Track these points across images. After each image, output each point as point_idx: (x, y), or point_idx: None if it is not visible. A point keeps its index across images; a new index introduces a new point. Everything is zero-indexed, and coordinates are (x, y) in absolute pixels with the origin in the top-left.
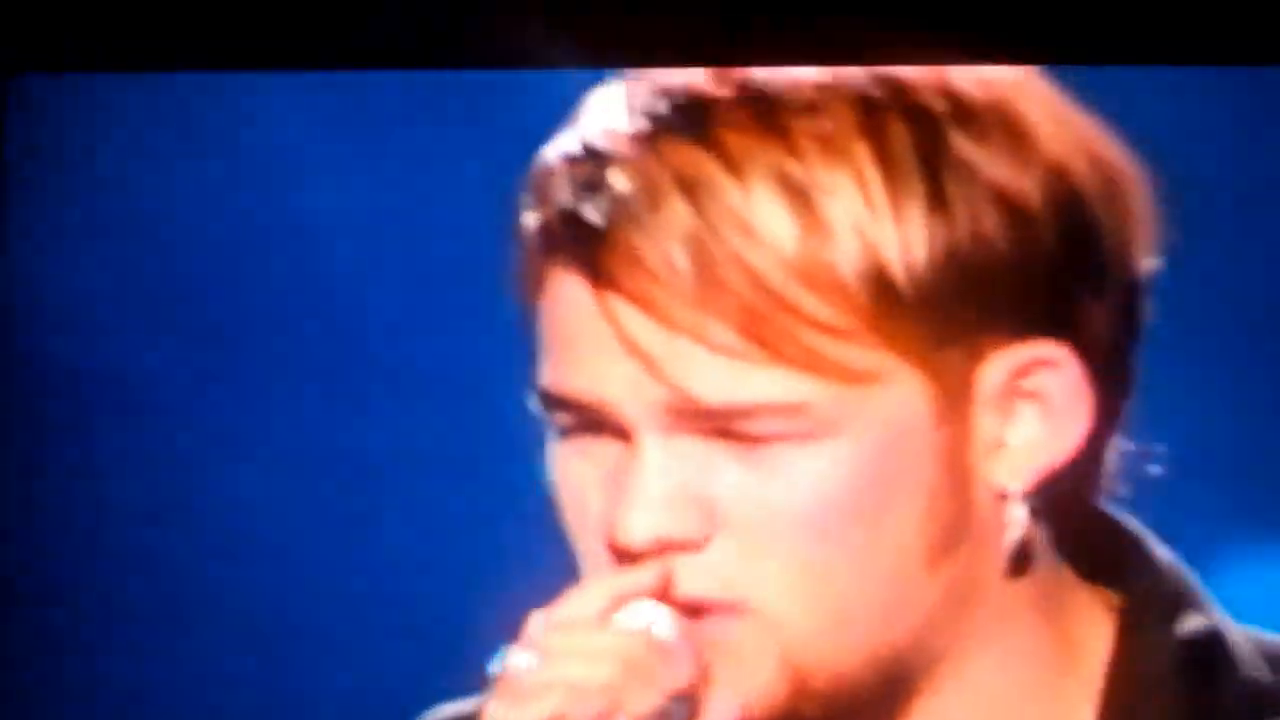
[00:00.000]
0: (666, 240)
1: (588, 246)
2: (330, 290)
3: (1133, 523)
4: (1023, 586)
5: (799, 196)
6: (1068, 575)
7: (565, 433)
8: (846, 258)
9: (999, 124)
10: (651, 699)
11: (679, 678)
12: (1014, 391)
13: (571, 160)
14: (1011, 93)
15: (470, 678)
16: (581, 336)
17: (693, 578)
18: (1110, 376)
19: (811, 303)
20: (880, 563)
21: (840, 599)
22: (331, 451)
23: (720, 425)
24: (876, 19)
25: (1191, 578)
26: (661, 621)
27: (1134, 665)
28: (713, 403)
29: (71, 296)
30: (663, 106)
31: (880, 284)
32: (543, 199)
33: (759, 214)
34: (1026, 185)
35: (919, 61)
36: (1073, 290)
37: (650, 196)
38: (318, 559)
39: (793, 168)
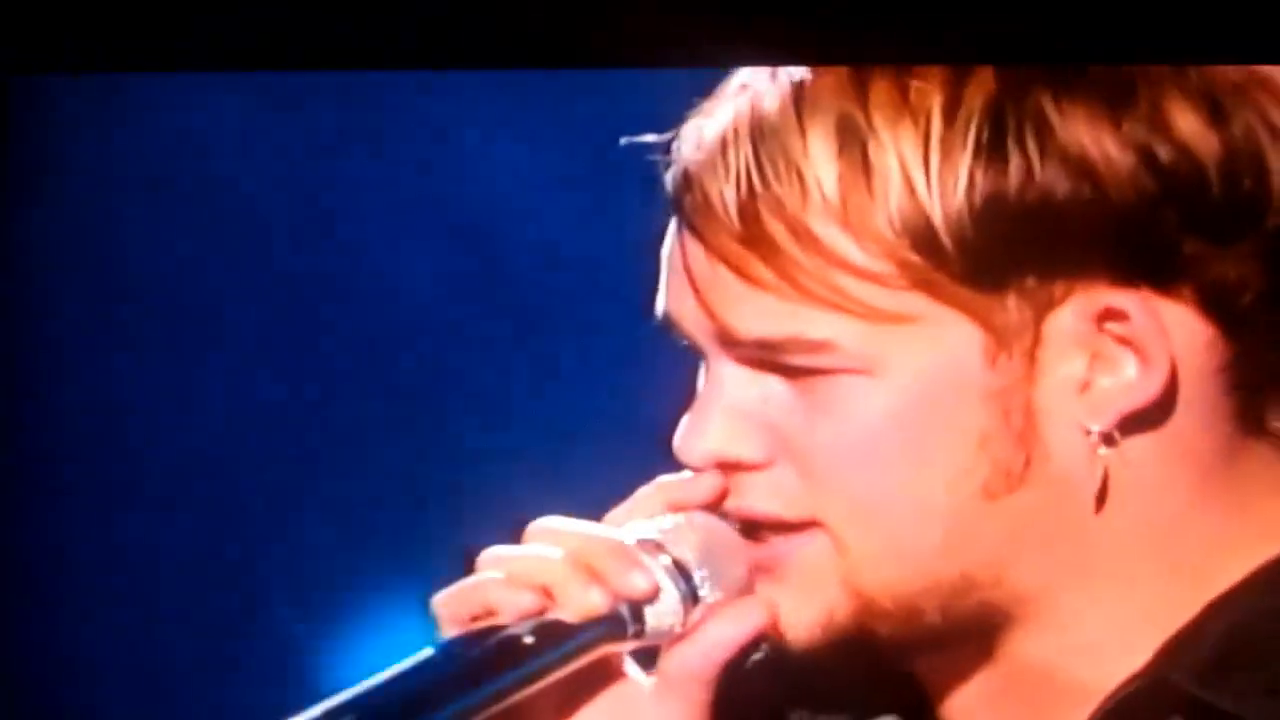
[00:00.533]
0: (725, 178)
1: (675, 177)
2: (329, 283)
3: None
4: (1138, 526)
5: (852, 143)
6: (1226, 510)
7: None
8: (886, 204)
9: (1102, 83)
10: (595, 599)
11: (636, 583)
12: (1101, 334)
13: (720, 91)
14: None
15: None
16: (668, 265)
17: (760, 497)
18: (1273, 320)
19: (846, 247)
20: (933, 496)
21: (896, 527)
22: (328, 433)
23: (763, 356)
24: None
25: None
26: (683, 533)
27: (1256, 594)
28: (744, 335)
29: (71, 294)
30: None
31: (918, 229)
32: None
33: (810, 160)
34: (1109, 144)
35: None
36: (1182, 241)
37: (728, 135)
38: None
39: (857, 114)
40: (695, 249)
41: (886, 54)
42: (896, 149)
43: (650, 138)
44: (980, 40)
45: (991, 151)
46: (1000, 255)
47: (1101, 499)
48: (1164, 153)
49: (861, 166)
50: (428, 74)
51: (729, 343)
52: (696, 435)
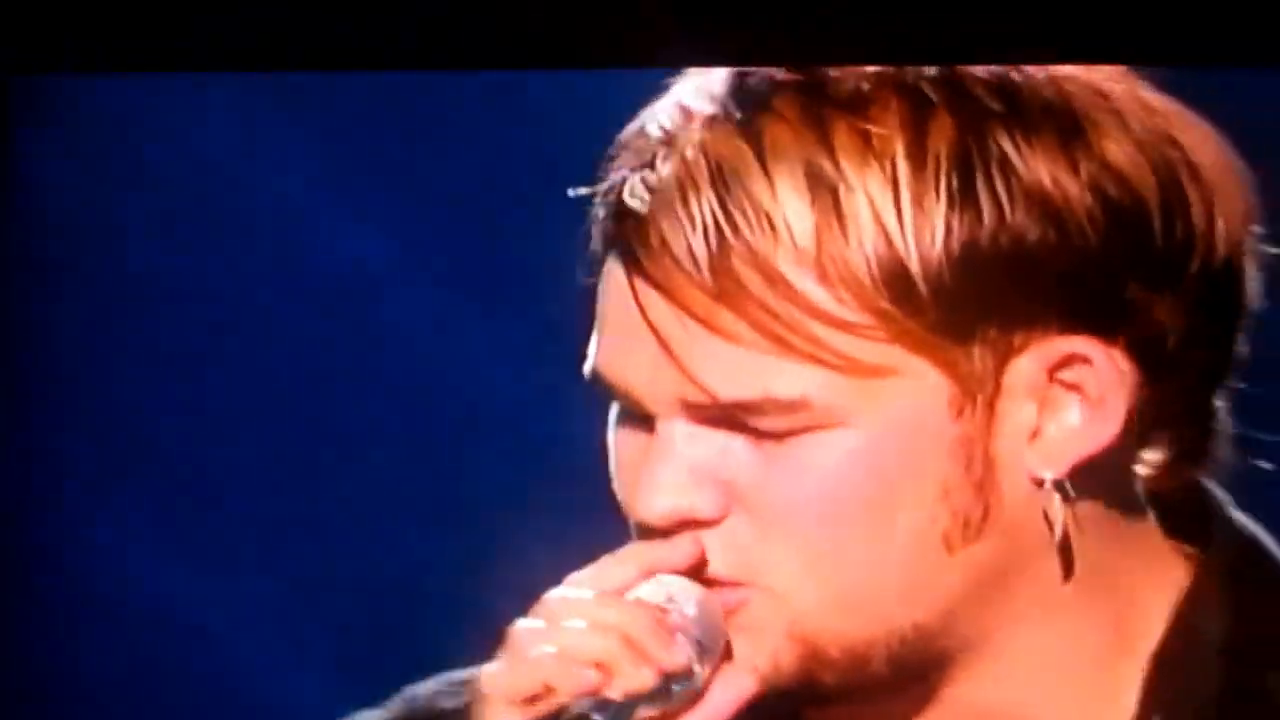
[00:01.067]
0: (690, 228)
1: (626, 229)
2: (326, 282)
3: (1216, 488)
4: (1082, 573)
5: (822, 190)
6: (1133, 548)
7: (618, 410)
8: (862, 252)
9: (1053, 123)
10: (645, 677)
11: (677, 659)
12: (1051, 383)
13: (635, 138)
14: (1078, 92)
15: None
16: (614, 320)
17: (711, 553)
18: (1185, 365)
19: (822, 296)
20: (893, 548)
21: (850, 580)
22: (329, 436)
23: (732, 416)
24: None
25: (1267, 541)
26: (684, 599)
27: (1190, 631)
28: (723, 396)
29: (71, 294)
30: (728, 91)
31: (895, 279)
32: (605, 177)
33: (780, 206)
34: (1070, 186)
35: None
36: (1126, 286)
37: (686, 184)
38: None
39: (823, 161)
40: (657, 304)
41: (888, 54)
42: (868, 196)
43: (581, 191)
44: (981, 40)
45: (964, 198)
46: (973, 304)
47: (1052, 547)
48: (1114, 191)
49: (835, 214)
50: (428, 74)
51: (693, 403)
52: (653, 493)
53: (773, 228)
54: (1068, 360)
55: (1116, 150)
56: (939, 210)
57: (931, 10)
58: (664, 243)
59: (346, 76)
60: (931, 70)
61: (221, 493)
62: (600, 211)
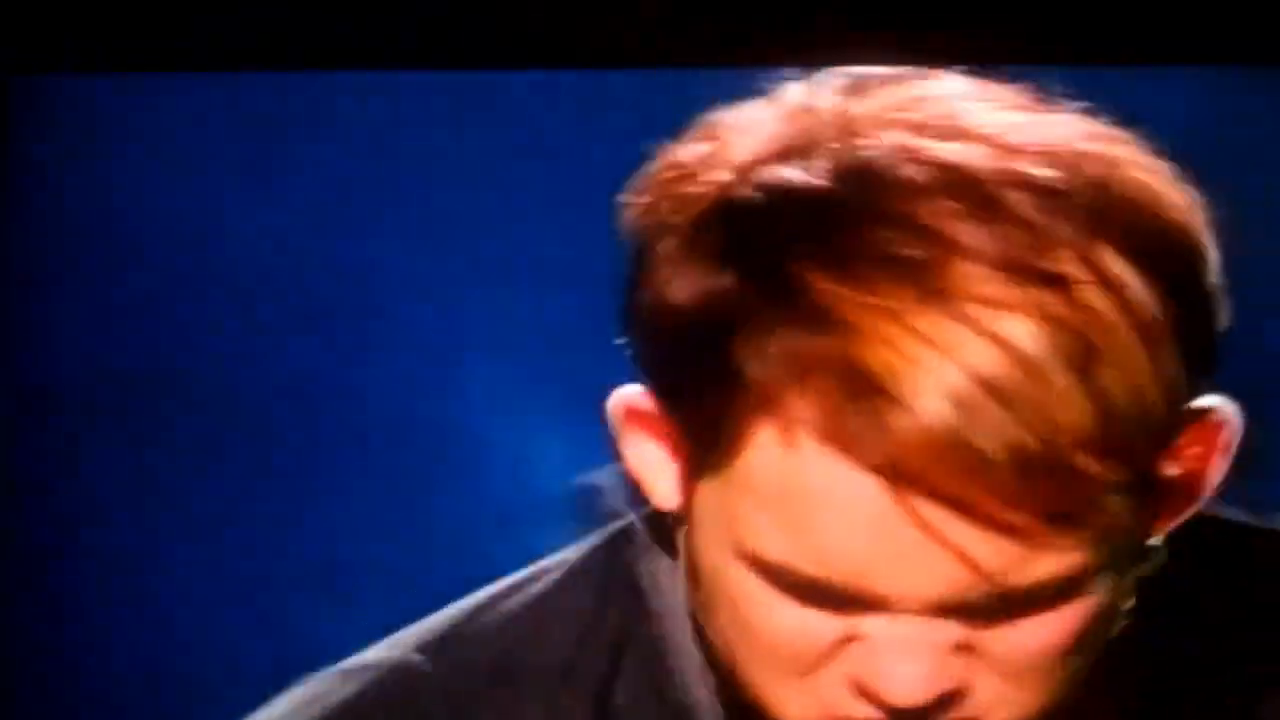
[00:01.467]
0: (966, 430)
1: (852, 430)
2: (328, 280)
3: None
4: None
5: (1078, 368)
6: None
7: (787, 588)
8: (1129, 420)
9: (1141, 209)
10: None
11: None
12: (1173, 447)
13: (783, 307)
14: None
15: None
16: (854, 524)
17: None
18: None
19: (1098, 470)
20: (1100, 642)
21: (1062, 691)
22: (330, 435)
23: (998, 600)
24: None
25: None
26: None
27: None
28: (1004, 590)
29: (71, 296)
30: (868, 250)
31: (1152, 431)
32: (749, 347)
33: (1053, 396)
34: (1161, 244)
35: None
36: (1207, 343)
37: (920, 377)
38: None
39: (1066, 339)
40: (925, 505)
41: (890, 54)
42: (1111, 363)
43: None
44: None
45: (1159, 301)
46: (1183, 410)
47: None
48: (1185, 240)
49: (1096, 390)
50: (428, 74)
51: (962, 600)
52: (914, 686)
53: (1050, 418)
54: (1210, 427)
55: (1165, 207)
56: (1157, 322)
57: (934, 10)
58: (933, 448)
59: (346, 76)
60: (1019, 194)
61: (223, 490)
62: (759, 383)
